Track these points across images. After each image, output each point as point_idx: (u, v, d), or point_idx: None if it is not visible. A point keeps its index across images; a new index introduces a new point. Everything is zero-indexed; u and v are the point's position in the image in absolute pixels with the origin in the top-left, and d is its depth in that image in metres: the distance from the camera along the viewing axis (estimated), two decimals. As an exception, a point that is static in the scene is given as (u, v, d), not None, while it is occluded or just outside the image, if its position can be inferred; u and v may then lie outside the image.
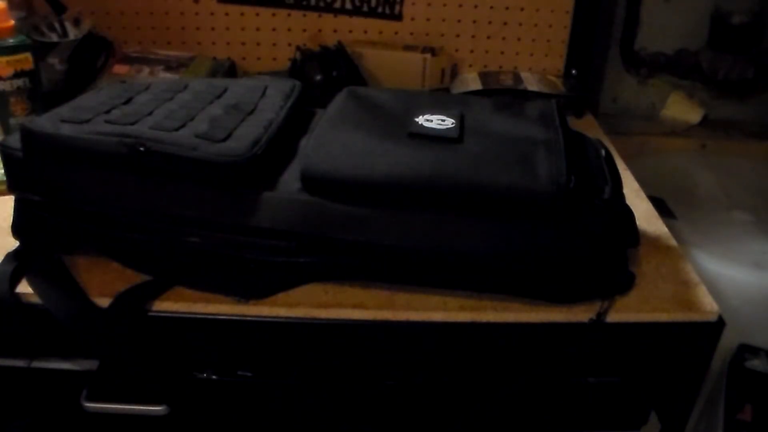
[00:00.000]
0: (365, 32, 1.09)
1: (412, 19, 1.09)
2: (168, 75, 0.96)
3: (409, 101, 0.70)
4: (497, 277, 0.59)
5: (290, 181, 0.59)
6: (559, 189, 0.56)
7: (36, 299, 0.57)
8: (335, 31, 1.08)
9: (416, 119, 0.65)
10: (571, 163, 0.59)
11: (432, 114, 0.66)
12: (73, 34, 0.96)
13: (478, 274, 0.59)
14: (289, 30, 1.08)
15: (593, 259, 0.59)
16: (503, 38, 1.11)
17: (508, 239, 0.57)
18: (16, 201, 0.61)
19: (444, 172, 0.57)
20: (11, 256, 0.60)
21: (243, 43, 1.09)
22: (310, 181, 0.58)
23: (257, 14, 1.07)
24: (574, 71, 1.11)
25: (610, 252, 0.60)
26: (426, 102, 0.70)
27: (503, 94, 1.01)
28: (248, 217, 0.57)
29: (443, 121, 0.65)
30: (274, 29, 1.08)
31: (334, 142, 0.60)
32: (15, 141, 0.59)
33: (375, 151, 0.59)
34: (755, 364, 0.83)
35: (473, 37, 1.10)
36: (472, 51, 1.12)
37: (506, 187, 0.56)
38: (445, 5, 1.08)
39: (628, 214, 0.62)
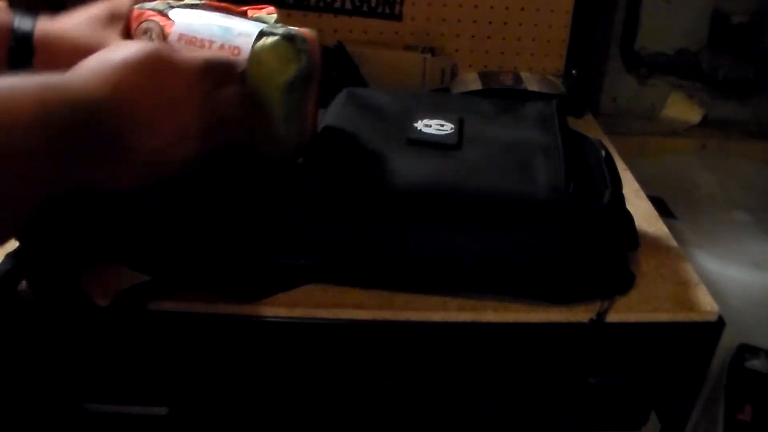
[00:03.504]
0: (365, 32, 1.09)
1: (412, 19, 1.08)
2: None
3: (409, 104, 0.69)
4: (496, 284, 0.59)
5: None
6: (557, 195, 0.56)
7: (36, 299, 0.57)
8: (335, 31, 1.08)
9: (415, 124, 0.64)
10: (570, 168, 0.59)
11: (431, 118, 0.65)
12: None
13: (477, 281, 0.59)
14: (289, 30, 1.08)
15: (592, 264, 0.59)
16: (503, 38, 1.10)
17: (507, 247, 0.56)
18: (16, 201, 0.61)
19: (443, 180, 0.57)
20: (11, 256, 0.60)
21: (243, 43, 1.09)
22: (308, 188, 0.58)
23: (257, 14, 1.07)
24: (574, 71, 1.10)
25: (609, 257, 0.60)
26: (425, 105, 0.70)
27: (503, 94, 1.01)
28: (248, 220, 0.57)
29: (442, 126, 0.64)
30: (274, 29, 1.08)
31: (332, 150, 0.60)
32: (15, 141, 0.59)
33: (374, 159, 0.59)
34: (755, 364, 0.83)
35: (473, 37, 1.10)
36: (472, 51, 1.11)
37: (505, 194, 0.56)
38: (445, 5, 1.07)
39: (628, 219, 0.62)
